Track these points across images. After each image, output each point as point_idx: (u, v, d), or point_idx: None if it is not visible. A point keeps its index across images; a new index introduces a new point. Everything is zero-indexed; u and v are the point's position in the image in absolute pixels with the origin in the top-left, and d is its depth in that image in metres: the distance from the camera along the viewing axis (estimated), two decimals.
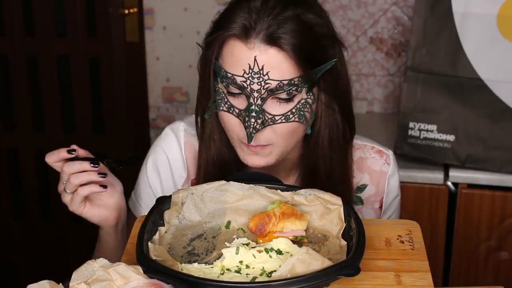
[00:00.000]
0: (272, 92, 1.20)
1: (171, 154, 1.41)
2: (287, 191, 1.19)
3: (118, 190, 1.32)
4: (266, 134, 1.23)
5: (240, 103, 1.23)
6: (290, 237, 1.11)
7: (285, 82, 1.20)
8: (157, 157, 1.42)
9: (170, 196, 1.19)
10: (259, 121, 1.20)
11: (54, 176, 2.98)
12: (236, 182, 1.20)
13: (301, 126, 1.25)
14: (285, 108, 1.23)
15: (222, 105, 1.25)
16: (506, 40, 2.02)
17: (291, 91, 1.21)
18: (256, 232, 1.11)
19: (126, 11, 2.67)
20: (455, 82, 2.07)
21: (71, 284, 0.99)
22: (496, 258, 2.19)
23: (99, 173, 1.22)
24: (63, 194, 1.26)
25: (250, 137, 1.21)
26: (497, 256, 2.19)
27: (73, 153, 1.22)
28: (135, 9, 2.68)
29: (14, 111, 2.86)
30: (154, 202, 1.35)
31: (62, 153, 1.22)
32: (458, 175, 2.14)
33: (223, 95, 1.24)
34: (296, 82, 1.21)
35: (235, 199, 1.19)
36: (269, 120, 1.22)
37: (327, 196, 1.16)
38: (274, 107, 1.22)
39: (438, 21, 2.06)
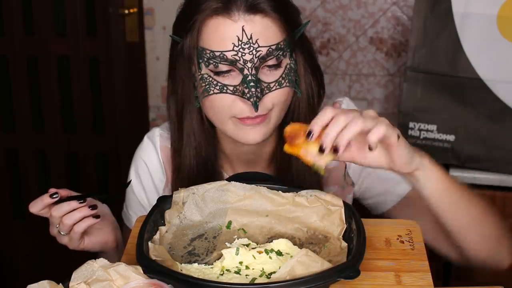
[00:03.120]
0: (263, 60, 1.23)
1: (149, 160, 1.45)
2: (288, 191, 1.19)
3: (107, 212, 1.35)
4: (265, 102, 1.25)
5: (232, 80, 1.24)
6: (310, 162, 1.06)
7: (273, 47, 1.23)
8: (137, 165, 1.46)
9: (171, 195, 1.19)
10: (258, 90, 1.22)
11: (54, 176, 2.98)
12: (237, 182, 1.20)
13: (290, 92, 1.28)
14: (275, 74, 1.26)
15: (212, 88, 1.25)
16: (506, 40, 2.01)
17: (279, 55, 1.24)
18: (287, 138, 1.08)
19: (126, 11, 2.67)
20: (455, 82, 2.07)
21: (71, 284, 0.99)
22: None
23: (89, 207, 1.23)
24: (58, 236, 1.27)
25: (255, 106, 1.22)
26: None
27: (56, 196, 1.23)
28: (135, 9, 2.68)
29: (14, 111, 2.86)
30: (142, 209, 1.36)
31: (46, 199, 1.23)
32: (458, 175, 2.14)
33: (211, 78, 1.25)
34: (282, 46, 1.24)
35: (236, 199, 1.19)
36: (265, 88, 1.24)
37: (328, 197, 1.16)
38: (266, 75, 1.25)
39: (438, 21, 2.06)
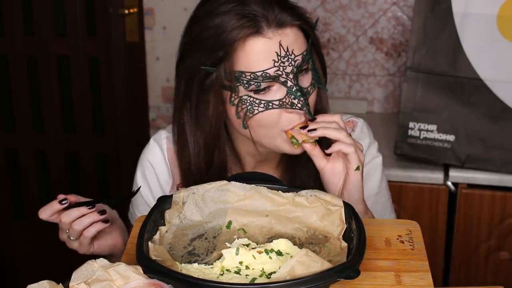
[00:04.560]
0: (300, 67, 1.26)
1: (155, 162, 1.45)
2: (288, 191, 1.19)
3: (115, 216, 1.37)
4: (310, 107, 1.29)
5: (273, 95, 1.25)
6: (290, 135, 1.26)
7: (305, 53, 1.27)
8: (143, 167, 1.47)
9: (171, 195, 1.19)
10: (305, 97, 1.25)
11: (54, 176, 2.98)
12: (237, 182, 1.20)
13: (317, 90, 1.32)
14: (308, 78, 1.29)
15: (256, 107, 1.25)
16: (506, 40, 2.02)
17: (308, 59, 1.28)
18: None
19: (126, 11, 2.67)
20: (455, 82, 2.07)
21: (71, 284, 0.99)
22: (496, 258, 2.19)
23: (98, 212, 1.25)
24: (68, 241, 1.29)
25: (310, 113, 1.26)
26: (497, 256, 2.19)
27: (65, 202, 1.24)
28: (135, 9, 2.68)
29: (14, 111, 2.86)
30: (147, 210, 1.37)
31: (55, 205, 1.25)
32: (458, 175, 2.14)
33: (252, 98, 1.25)
34: (309, 49, 1.28)
35: (237, 199, 1.19)
36: (307, 93, 1.28)
37: (328, 197, 1.16)
38: (302, 82, 1.28)
39: (438, 21, 2.06)
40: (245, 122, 1.27)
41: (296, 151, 1.29)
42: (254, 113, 1.25)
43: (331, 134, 1.24)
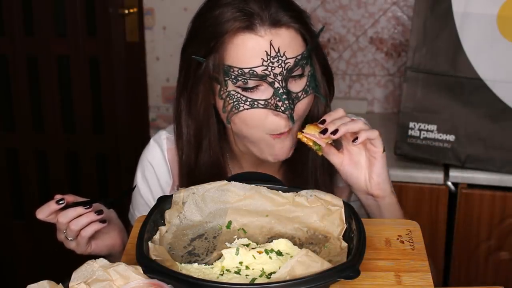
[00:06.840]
0: (291, 71, 1.24)
1: (155, 163, 1.45)
2: (288, 191, 1.19)
3: (113, 216, 1.37)
4: (297, 112, 1.27)
5: (260, 94, 1.25)
6: (310, 143, 1.24)
7: (299, 57, 1.25)
8: (144, 167, 1.46)
9: (171, 195, 1.19)
10: (291, 101, 1.24)
11: (54, 176, 2.98)
12: (237, 182, 1.20)
13: (311, 99, 1.30)
14: (301, 84, 1.27)
15: (242, 104, 1.25)
16: (506, 40, 2.02)
17: (303, 64, 1.26)
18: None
19: (126, 11, 2.67)
20: (455, 82, 2.07)
21: (71, 284, 0.99)
22: (496, 258, 2.19)
23: (95, 212, 1.25)
24: (65, 242, 1.30)
25: (292, 118, 1.24)
26: (497, 256, 2.19)
27: (62, 202, 1.24)
28: (135, 9, 2.68)
29: (14, 111, 2.86)
30: (147, 211, 1.38)
31: (52, 206, 1.25)
32: (458, 175, 2.14)
33: (239, 94, 1.25)
34: (305, 55, 1.26)
35: (237, 199, 1.19)
36: (295, 98, 1.26)
37: (328, 197, 1.16)
38: (293, 86, 1.26)
39: (438, 21, 2.06)
40: (229, 118, 1.27)
41: (280, 156, 1.29)
42: (240, 109, 1.25)
43: (353, 127, 1.24)
